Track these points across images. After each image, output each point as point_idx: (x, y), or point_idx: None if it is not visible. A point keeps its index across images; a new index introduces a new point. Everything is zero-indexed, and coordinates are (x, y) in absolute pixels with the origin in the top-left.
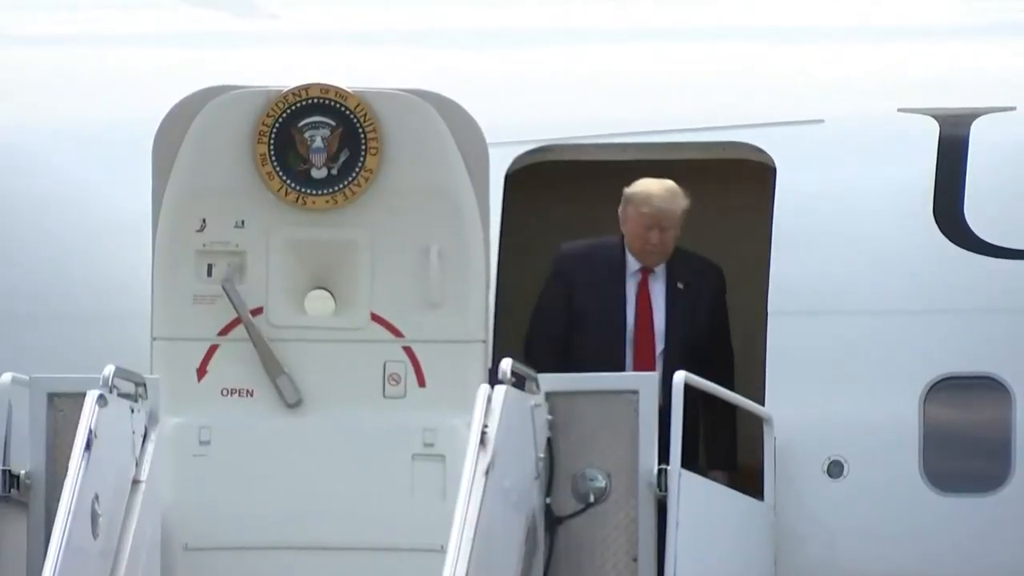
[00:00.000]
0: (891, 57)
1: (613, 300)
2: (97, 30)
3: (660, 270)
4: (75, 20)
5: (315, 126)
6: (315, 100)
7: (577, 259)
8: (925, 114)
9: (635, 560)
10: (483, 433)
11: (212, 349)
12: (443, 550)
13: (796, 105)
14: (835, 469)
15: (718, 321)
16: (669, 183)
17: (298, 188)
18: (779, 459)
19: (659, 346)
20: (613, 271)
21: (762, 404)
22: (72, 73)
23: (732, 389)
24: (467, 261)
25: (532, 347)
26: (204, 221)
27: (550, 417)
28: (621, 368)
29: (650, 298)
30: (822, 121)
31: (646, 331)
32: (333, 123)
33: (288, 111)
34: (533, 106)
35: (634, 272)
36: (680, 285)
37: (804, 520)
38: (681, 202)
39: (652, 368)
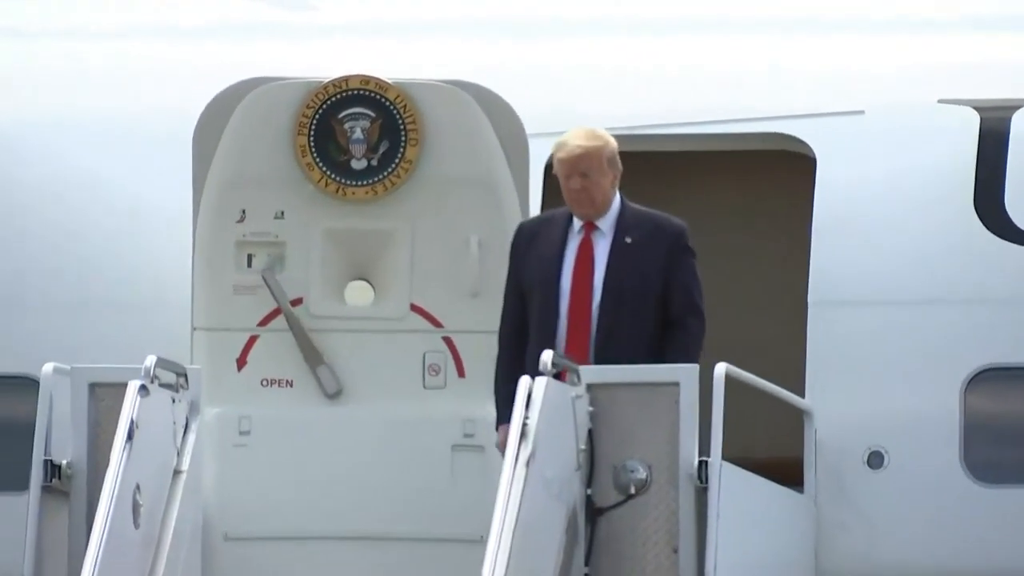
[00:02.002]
0: (932, 48)
1: (551, 259)
2: (137, 23)
3: (608, 227)
4: (114, 13)
5: (355, 117)
6: (355, 91)
7: (525, 231)
8: (966, 105)
9: (676, 551)
10: (524, 425)
11: (252, 339)
12: (483, 540)
13: (836, 96)
14: (875, 460)
15: (679, 282)
16: (593, 128)
17: (338, 179)
18: (819, 450)
19: (595, 301)
20: (555, 234)
21: (802, 396)
22: (112, 66)
23: (693, 358)
24: (507, 251)
25: (500, 334)
26: (244, 212)
27: (591, 408)
28: (555, 326)
29: (592, 254)
30: (862, 112)
31: (582, 285)
32: (373, 114)
33: (328, 102)
34: (573, 97)
35: (578, 230)
36: (628, 240)
37: (844, 511)
38: (598, 144)
39: (585, 324)
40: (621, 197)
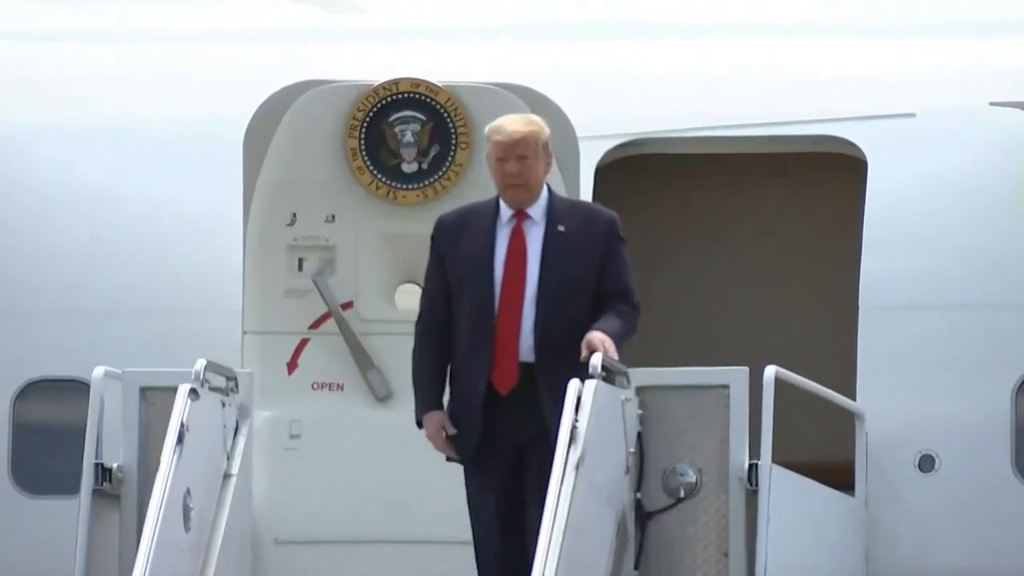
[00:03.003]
0: (983, 51)
1: (480, 252)
2: (186, 27)
3: (539, 215)
4: (165, 18)
5: (406, 120)
6: (406, 94)
7: (448, 224)
8: (1017, 107)
9: (726, 555)
10: (573, 428)
11: (303, 343)
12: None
13: (888, 99)
14: (926, 463)
15: (614, 271)
16: (528, 115)
17: (389, 182)
18: (870, 454)
19: (529, 291)
20: (482, 225)
21: (853, 399)
22: (162, 70)
23: (624, 331)
24: None
25: (417, 331)
26: (295, 215)
27: (640, 412)
28: (489, 319)
29: (525, 243)
30: (914, 115)
31: (514, 276)
32: (424, 118)
33: (379, 105)
34: (623, 100)
35: (508, 220)
36: (561, 228)
37: (895, 515)
38: (535, 129)
39: (517, 315)
40: (548, 187)
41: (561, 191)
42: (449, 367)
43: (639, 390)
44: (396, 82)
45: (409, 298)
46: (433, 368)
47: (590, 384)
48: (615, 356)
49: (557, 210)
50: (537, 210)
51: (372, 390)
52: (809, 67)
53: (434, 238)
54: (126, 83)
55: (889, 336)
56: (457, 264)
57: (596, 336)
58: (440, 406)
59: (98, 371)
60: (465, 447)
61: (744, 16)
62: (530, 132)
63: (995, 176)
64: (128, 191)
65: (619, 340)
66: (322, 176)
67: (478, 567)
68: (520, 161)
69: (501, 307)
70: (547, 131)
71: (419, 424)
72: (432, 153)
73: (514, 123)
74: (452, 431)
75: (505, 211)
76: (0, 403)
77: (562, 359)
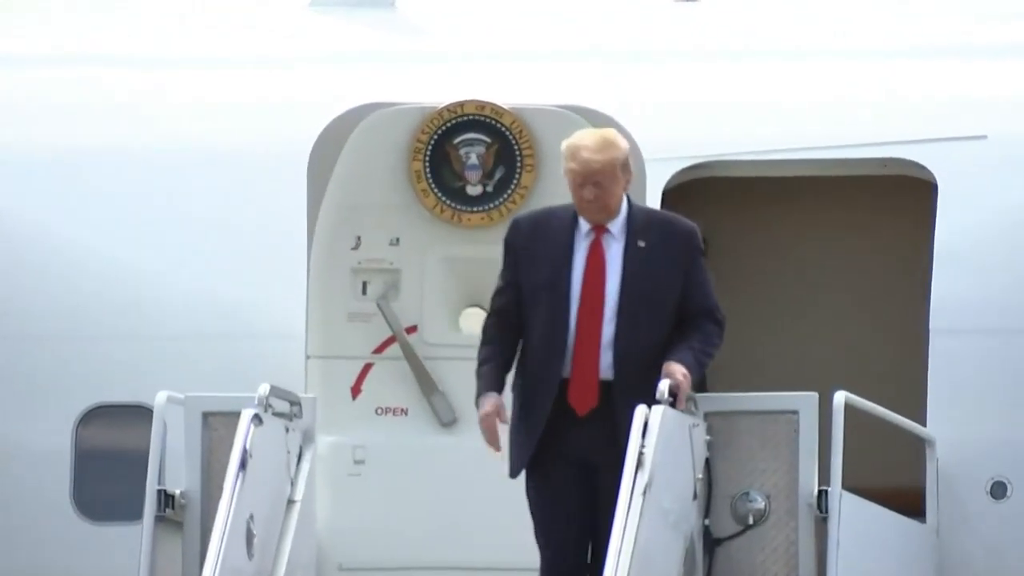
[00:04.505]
0: None
1: (557, 264)
2: (245, 52)
3: (619, 230)
4: (229, 42)
5: (470, 143)
6: (470, 116)
7: (524, 229)
8: None
9: None
10: (641, 454)
11: (367, 367)
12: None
13: (958, 121)
14: (998, 490)
15: (696, 286)
16: (604, 132)
17: (453, 205)
18: (941, 480)
19: (609, 307)
20: (561, 235)
21: (923, 424)
22: (226, 95)
23: (709, 352)
24: None
25: (485, 326)
26: (359, 239)
27: (709, 437)
28: (564, 334)
29: (603, 259)
30: (985, 137)
31: (593, 293)
32: (488, 140)
33: (443, 128)
34: (690, 122)
35: (587, 233)
36: (641, 243)
37: (967, 542)
38: (614, 152)
39: (597, 332)
40: (628, 197)
41: None
42: (513, 376)
43: (707, 415)
44: (461, 104)
45: (474, 322)
46: (500, 357)
47: (657, 409)
48: (687, 389)
49: (637, 223)
50: (616, 225)
51: (436, 415)
52: (878, 90)
53: (508, 241)
54: (190, 107)
55: (960, 361)
56: (532, 271)
57: (674, 368)
58: (500, 389)
59: (161, 396)
60: (518, 460)
61: (812, 39)
62: (607, 160)
63: None
64: (194, 213)
65: (698, 368)
66: (386, 199)
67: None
68: (597, 187)
69: (580, 325)
70: (625, 149)
71: (477, 405)
72: (497, 176)
73: (590, 149)
74: (506, 420)
75: (584, 223)
76: (62, 429)
77: (640, 377)
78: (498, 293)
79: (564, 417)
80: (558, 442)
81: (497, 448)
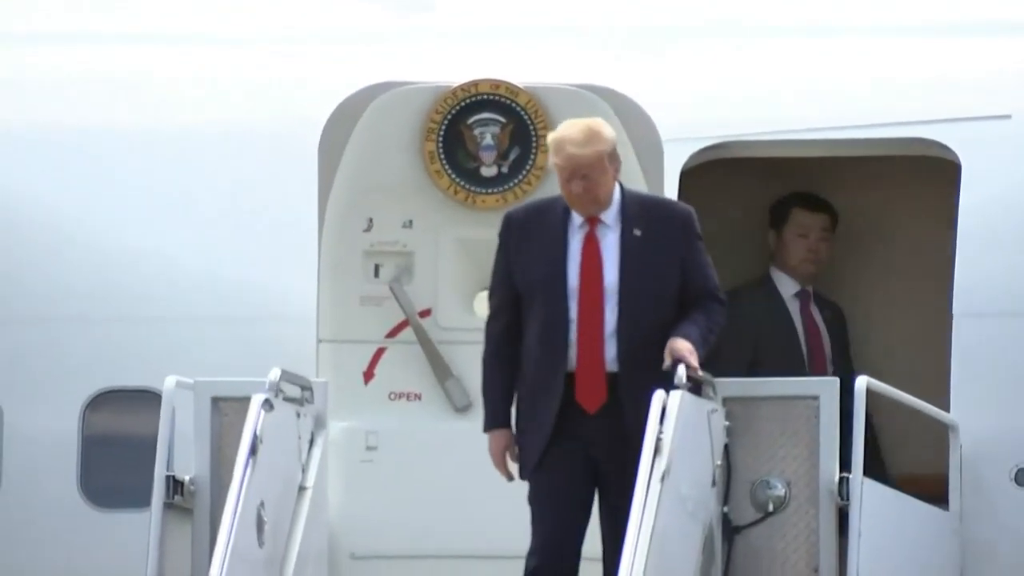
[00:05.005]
0: None
1: (553, 258)
2: (254, 31)
3: (613, 219)
4: (236, 21)
5: (485, 123)
6: (485, 96)
7: (517, 224)
8: None
9: (815, 571)
10: (658, 440)
11: (379, 352)
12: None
13: (982, 100)
14: (1023, 477)
15: (693, 271)
16: (590, 123)
17: (467, 186)
18: (965, 466)
19: (609, 301)
20: (554, 228)
21: (946, 409)
22: (235, 74)
23: (713, 331)
24: None
25: (488, 330)
26: (371, 221)
27: (728, 423)
28: (565, 330)
29: (600, 251)
30: (1009, 116)
31: (592, 286)
32: (503, 120)
33: (457, 107)
34: (709, 102)
35: (580, 225)
36: (637, 232)
37: (991, 530)
38: (599, 144)
39: (599, 325)
40: (620, 184)
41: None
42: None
43: (726, 401)
44: (475, 83)
45: (488, 305)
46: (507, 378)
47: (675, 394)
48: (696, 363)
49: (631, 211)
50: (610, 215)
51: (451, 400)
52: (900, 69)
53: (501, 235)
54: (201, 88)
55: (984, 344)
56: (528, 268)
57: (679, 344)
58: (509, 422)
59: (169, 380)
60: (528, 461)
61: (833, 18)
62: (593, 153)
63: None
64: (204, 195)
65: (704, 344)
66: (399, 180)
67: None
68: (585, 180)
69: (581, 319)
70: (611, 139)
71: (486, 432)
72: (512, 156)
73: (575, 143)
74: (516, 459)
75: (577, 215)
76: (69, 414)
77: (645, 368)
78: (493, 292)
79: (571, 411)
80: (563, 436)
81: (509, 479)
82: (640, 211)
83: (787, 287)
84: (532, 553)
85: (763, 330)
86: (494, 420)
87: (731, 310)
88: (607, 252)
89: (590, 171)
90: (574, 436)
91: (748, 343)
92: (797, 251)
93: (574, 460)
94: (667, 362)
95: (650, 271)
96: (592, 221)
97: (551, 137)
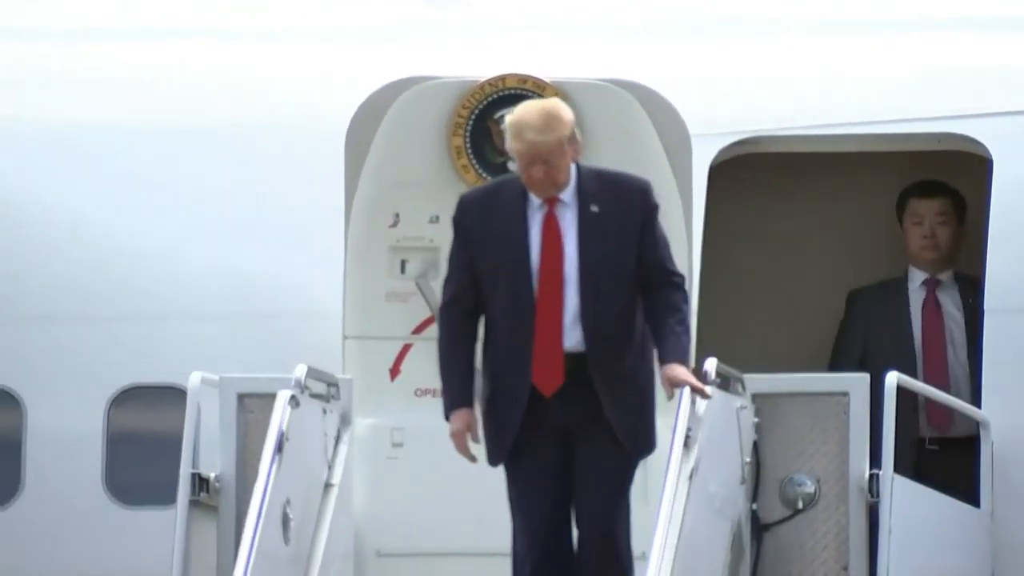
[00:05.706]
0: None
1: (513, 240)
2: (281, 24)
3: (570, 197)
4: (264, 16)
5: None
6: (512, 90)
7: (474, 208)
8: None
9: (845, 569)
10: (687, 436)
11: (405, 348)
12: (644, 557)
13: (1013, 95)
14: None
15: (650, 248)
16: (548, 106)
17: None
18: (997, 463)
19: (570, 278)
20: (512, 209)
21: (977, 406)
22: (264, 69)
23: (688, 339)
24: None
25: (443, 317)
26: (397, 216)
27: (756, 420)
28: (528, 316)
29: (559, 230)
30: None
31: (552, 266)
32: None
33: (484, 102)
34: (738, 97)
35: (539, 205)
36: (594, 208)
37: (1023, 527)
38: (559, 129)
39: (558, 306)
40: (575, 164)
41: (673, 191)
42: (480, 355)
43: (755, 397)
44: (502, 77)
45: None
46: (467, 360)
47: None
48: (701, 384)
49: (588, 188)
50: (568, 193)
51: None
52: (931, 63)
53: (457, 221)
54: (225, 81)
55: (1015, 340)
56: (488, 250)
57: (676, 373)
58: (471, 403)
59: (194, 377)
60: (497, 451)
61: (863, 12)
62: (553, 140)
63: None
64: (229, 192)
65: (688, 349)
66: (426, 175)
67: (513, 557)
68: (546, 164)
69: (540, 299)
70: (570, 122)
71: (447, 418)
72: None
73: (535, 130)
74: (479, 439)
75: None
76: (94, 410)
77: (613, 346)
78: (451, 279)
79: (539, 394)
80: (532, 420)
81: (472, 460)
82: (598, 187)
83: (915, 278)
84: (526, 553)
85: (871, 326)
86: (456, 401)
87: (846, 306)
88: (566, 231)
89: (551, 156)
90: (544, 421)
91: (858, 340)
92: (915, 239)
93: (549, 445)
94: (668, 391)
95: (608, 248)
96: (551, 201)
97: (509, 120)
